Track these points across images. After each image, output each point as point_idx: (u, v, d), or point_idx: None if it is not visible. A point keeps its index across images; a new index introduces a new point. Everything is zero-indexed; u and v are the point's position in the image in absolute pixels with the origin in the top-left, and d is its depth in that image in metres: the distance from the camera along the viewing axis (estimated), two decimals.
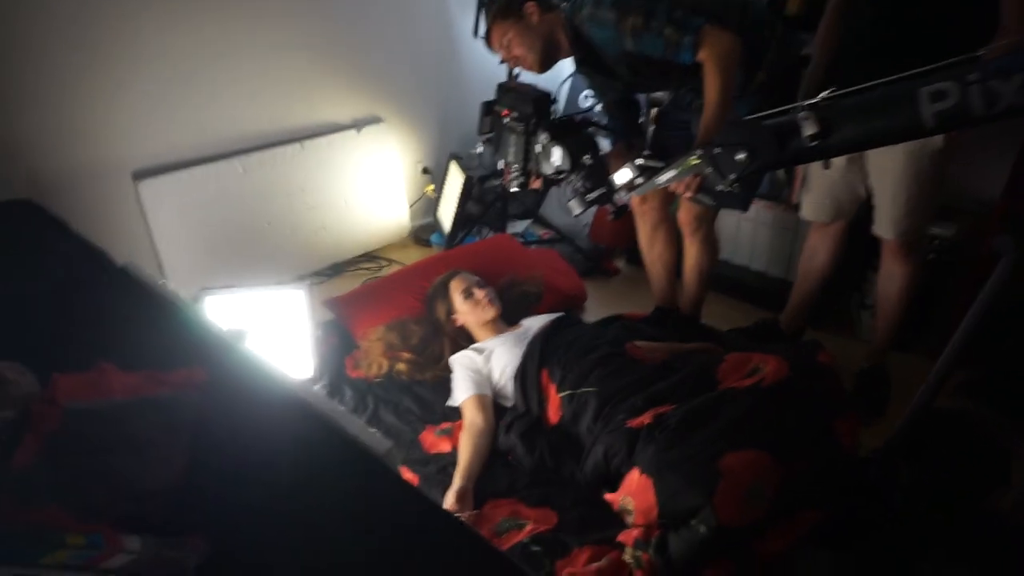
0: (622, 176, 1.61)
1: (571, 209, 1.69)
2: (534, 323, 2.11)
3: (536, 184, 1.87)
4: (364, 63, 2.83)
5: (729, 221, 2.73)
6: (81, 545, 0.91)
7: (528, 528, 1.57)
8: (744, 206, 2.21)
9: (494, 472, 1.75)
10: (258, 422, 1.16)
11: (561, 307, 2.45)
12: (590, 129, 1.75)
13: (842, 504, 1.54)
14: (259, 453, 1.10)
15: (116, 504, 0.96)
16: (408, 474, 1.73)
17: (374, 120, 2.91)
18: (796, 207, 2.53)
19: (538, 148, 1.71)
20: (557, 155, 1.65)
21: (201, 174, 2.46)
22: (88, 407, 1.10)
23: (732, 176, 1.37)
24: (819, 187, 2.08)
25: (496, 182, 3.23)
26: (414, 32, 2.94)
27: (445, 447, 1.84)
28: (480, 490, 1.68)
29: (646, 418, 1.64)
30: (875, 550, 1.46)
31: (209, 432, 1.11)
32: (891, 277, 2.04)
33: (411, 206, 3.14)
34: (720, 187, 1.42)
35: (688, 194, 1.64)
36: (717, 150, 1.36)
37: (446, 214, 3.06)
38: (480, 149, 2.99)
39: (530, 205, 3.23)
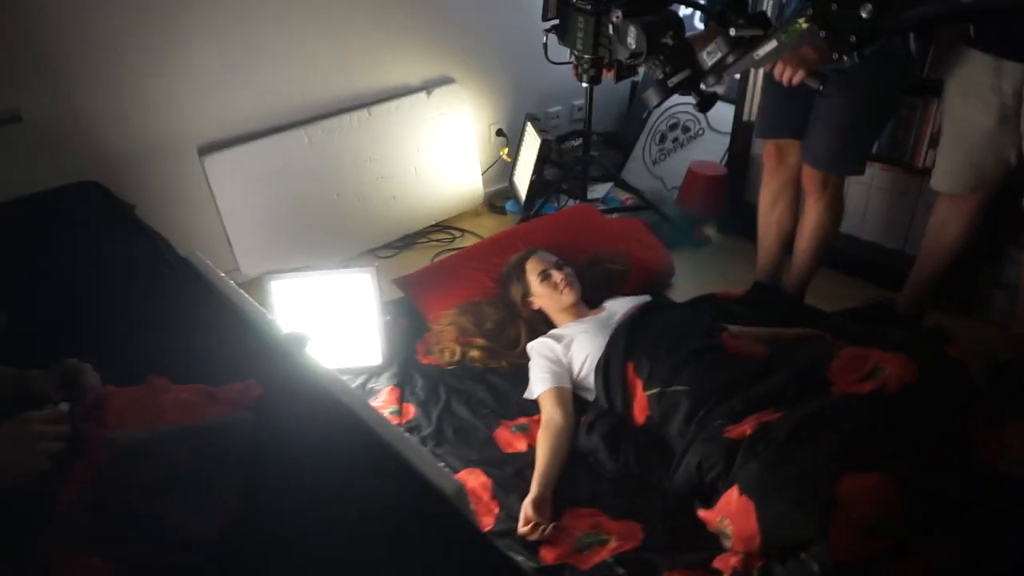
0: (712, 55, 1.35)
1: (647, 100, 1.45)
2: (619, 307, 1.93)
3: (608, 75, 1.62)
4: (432, 19, 2.64)
5: None
6: None
7: (612, 545, 1.44)
8: (860, 166, 1.93)
9: (574, 476, 1.62)
10: (316, 453, 1.05)
11: (648, 285, 2.27)
12: (673, 6, 1.49)
13: (986, 535, 1.33)
14: (315, 491, 0.99)
15: (161, 555, 0.88)
16: (482, 477, 1.62)
17: (445, 81, 2.74)
18: (921, 172, 2.23)
19: (610, 30, 1.46)
20: (632, 36, 1.40)
21: (266, 146, 2.36)
22: (136, 438, 1.01)
23: (853, 39, 1.10)
24: (956, 152, 1.78)
25: (576, 143, 3.01)
26: None
27: (522, 446, 1.72)
28: (559, 497, 1.56)
29: (747, 426, 1.45)
30: None
31: (261, 466, 1.02)
32: None
33: (485, 172, 2.97)
34: (836, 56, 1.15)
35: (796, 78, 1.39)
36: (833, 6, 1.10)
37: (522, 179, 2.87)
38: (555, 109, 2.75)
39: (611, 167, 3.01)
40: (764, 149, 2.11)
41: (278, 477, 1.02)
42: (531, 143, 2.80)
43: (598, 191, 2.96)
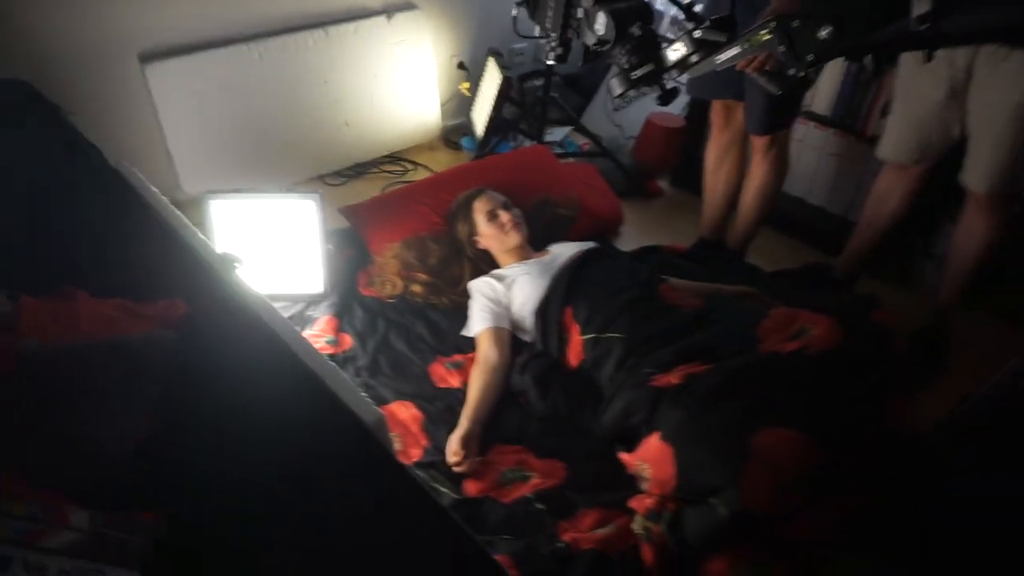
0: (676, 52, 1.36)
1: (612, 88, 1.45)
2: (563, 251, 1.93)
3: None
4: None
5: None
6: (22, 516, 0.82)
7: (534, 481, 1.48)
8: (792, 121, 1.96)
9: (504, 415, 1.65)
10: (238, 374, 1.04)
11: (595, 231, 2.28)
12: None
13: (884, 491, 1.40)
14: (236, 412, 0.98)
15: (69, 467, 0.87)
16: (414, 410, 1.63)
17: (407, 6, 2.63)
18: (870, 140, 2.26)
19: (580, 13, 1.45)
20: (601, 22, 1.40)
21: (214, 59, 2.25)
22: (47, 348, 0.99)
23: (810, 58, 1.12)
24: (905, 122, 1.81)
25: (538, 82, 2.96)
26: None
27: (455, 382, 1.73)
28: (487, 434, 1.58)
29: (675, 377, 1.49)
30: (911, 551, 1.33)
31: (181, 384, 1.00)
32: (972, 232, 1.80)
33: (443, 105, 2.90)
34: (792, 71, 1.18)
35: (751, 70, 1.39)
36: (795, 23, 1.12)
37: (480, 116, 2.82)
38: (521, 45, 2.69)
39: (571, 111, 2.97)
40: (712, 108, 2.11)
41: (198, 398, 1.01)
42: (492, 79, 2.73)
43: (556, 134, 2.93)
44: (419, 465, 1.52)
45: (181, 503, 0.86)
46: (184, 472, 0.91)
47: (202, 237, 1.33)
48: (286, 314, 1.93)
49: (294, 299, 1.97)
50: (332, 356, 1.78)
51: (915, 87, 1.76)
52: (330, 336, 1.84)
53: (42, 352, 0.99)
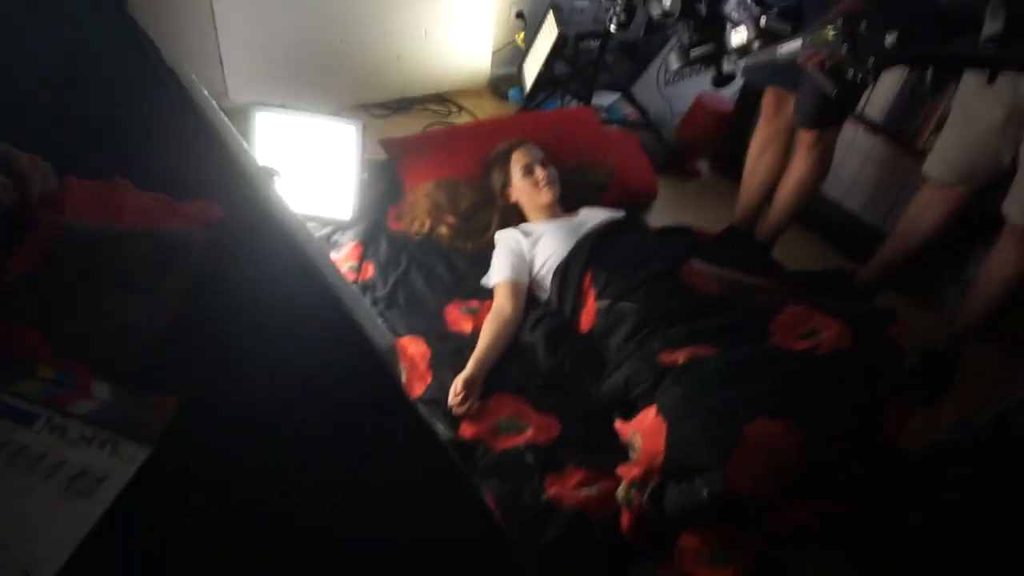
0: (739, 36, 1.35)
1: (669, 63, 1.45)
2: (592, 217, 1.95)
3: None
4: None
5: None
6: (50, 379, 0.87)
7: (528, 433, 1.52)
8: (843, 117, 1.95)
9: (510, 366, 1.68)
10: (264, 284, 1.08)
11: (627, 202, 2.27)
12: None
13: (866, 501, 1.43)
14: (255, 319, 1.02)
15: (95, 344, 0.91)
16: (423, 347, 1.68)
17: None
18: (918, 154, 2.22)
19: None
20: None
21: None
22: (89, 229, 1.03)
23: (871, 62, 1.11)
24: (957, 142, 1.78)
25: (594, 44, 2.92)
26: None
27: (467, 327, 1.77)
28: (490, 382, 1.62)
29: (681, 355, 1.51)
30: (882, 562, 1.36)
31: (208, 285, 1.04)
32: (1004, 262, 1.78)
33: (495, 52, 2.88)
34: (851, 73, 1.16)
35: (810, 65, 1.37)
36: (862, 25, 1.10)
37: (531, 69, 2.80)
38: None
39: (622, 78, 2.93)
40: (764, 96, 2.09)
41: (223, 301, 1.05)
42: (548, 34, 2.70)
43: (604, 99, 2.90)
44: (421, 400, 1.57)
45: (196, 394, 0.91)
46: (202, 366, 0.96)
47: (245, 146, 1.36)
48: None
49: (323, 222, 2.01)
50: (353, 282, 1.82)
51: (973, 107, 1.72)
52: (353, 263, 1.88)
53: (83, 232, 1.03)
